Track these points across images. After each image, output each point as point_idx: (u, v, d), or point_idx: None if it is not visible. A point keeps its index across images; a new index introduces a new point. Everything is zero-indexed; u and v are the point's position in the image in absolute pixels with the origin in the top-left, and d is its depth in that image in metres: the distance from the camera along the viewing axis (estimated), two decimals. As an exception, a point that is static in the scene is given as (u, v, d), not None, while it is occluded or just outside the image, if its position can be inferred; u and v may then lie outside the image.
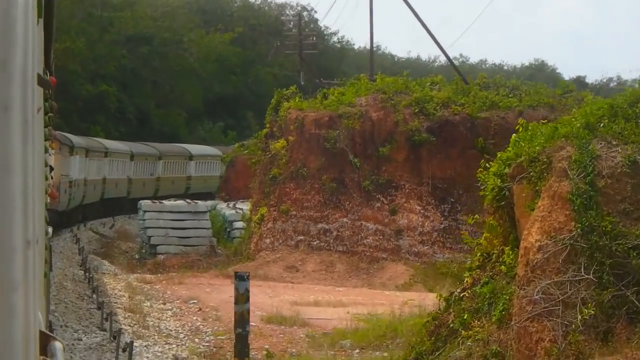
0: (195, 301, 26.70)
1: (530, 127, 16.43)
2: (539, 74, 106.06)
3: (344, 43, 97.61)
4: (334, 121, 36.46)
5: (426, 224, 35.47)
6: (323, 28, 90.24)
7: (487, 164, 16.38)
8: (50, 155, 10.48)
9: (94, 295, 25.64)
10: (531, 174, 14.72)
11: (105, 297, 25.76)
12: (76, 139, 48.14)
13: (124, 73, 66.05)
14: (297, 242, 35.55)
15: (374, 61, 42.22)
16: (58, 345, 2.47)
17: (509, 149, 15.78)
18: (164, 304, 26.26)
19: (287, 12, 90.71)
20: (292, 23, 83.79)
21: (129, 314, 23.61)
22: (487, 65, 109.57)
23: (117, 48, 66.85)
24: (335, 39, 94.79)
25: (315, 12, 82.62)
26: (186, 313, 24.96)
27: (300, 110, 37.16)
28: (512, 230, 15.40)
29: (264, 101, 76.09)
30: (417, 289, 32.08)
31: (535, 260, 13.60)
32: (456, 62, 72.71)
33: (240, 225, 42.14)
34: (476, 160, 36.75)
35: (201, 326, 23.23)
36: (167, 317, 24.14)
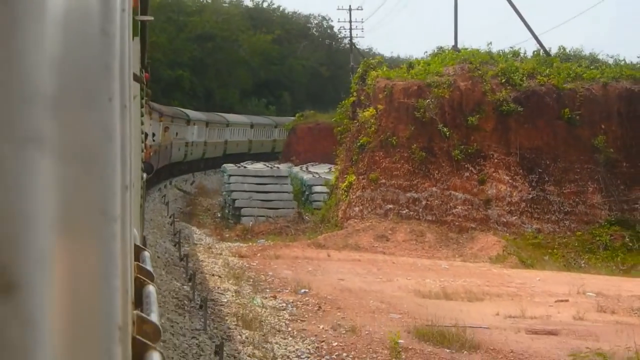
0: (306, 290, 22.74)
1: None
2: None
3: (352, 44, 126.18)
4: (423, 90, 36.71)
5: (514, 194, 35.80)
6: (337, 32, 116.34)
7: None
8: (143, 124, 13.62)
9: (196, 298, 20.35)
10: None
11: (207, 293, 21.08)
12: (194, 114, 63.12)
13: (195, 61, 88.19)
14: (386, 210, 35.92)
15: (457, 33, 42.26)
16: (147, 254, 3.50)
17: None
18: (274, 297, 22.01)
19: (311, 21, 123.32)
20: (315, 29, 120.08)
21: (245, 332, 17.74)
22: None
23: (189, 43, 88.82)
24: (345, 42, 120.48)
25: (332, 20, 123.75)
26: (306, 315, 19.99)
27: (388, 79, 37.40)
28: None
29: (295, 84, 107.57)
30: (512, 262, 31.75)
31: None
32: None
33: (319, 189, 42.57)
34: (563, 131, 37.36)
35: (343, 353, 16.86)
36: (286, 326, 18.83)
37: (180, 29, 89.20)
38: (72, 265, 1.38)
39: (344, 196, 37.11)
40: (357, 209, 36.28)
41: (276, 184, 42.06)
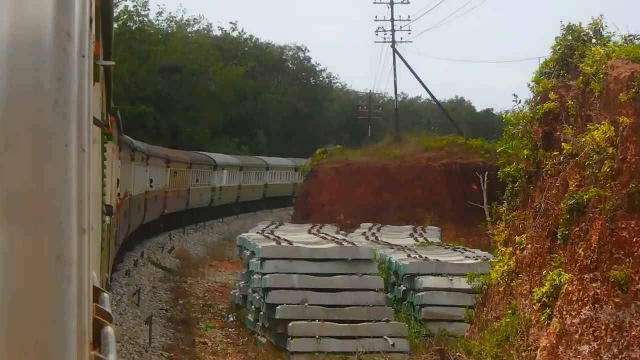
0: None
1: None
2: (461, 107, 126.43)
3: (331, 78, 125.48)
4: None
5: None
6: (315, 65, 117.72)
7: None
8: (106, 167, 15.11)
9: None
10: None
11: None
12: (222, 158, 64.31)
13: (159, 96, 79.98)
14: (654, 353, 16.15)
15: None
16: (106, 295, 3.58)
17: None
18: None
19: (286, 52, 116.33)
20: (291, 61, 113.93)
21: None
22: (422, 101, 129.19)
23: (153, 75, 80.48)
24: (324, 74, 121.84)
25: (309, 51, 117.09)
26: None
27: (635, 60, 17.51)
28: None
29: (271, 122, 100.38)
30: None
31: None
32: (398, 98, 73.78)
33: (431, 283, 22.77)
34: None
35: None
36: None
37: (143, 60, 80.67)
38: (26, 307, 1.51)
39: (542, 317, 17.12)
40: (585, 347, 16.45)
41: (353, 273, 21.97)
